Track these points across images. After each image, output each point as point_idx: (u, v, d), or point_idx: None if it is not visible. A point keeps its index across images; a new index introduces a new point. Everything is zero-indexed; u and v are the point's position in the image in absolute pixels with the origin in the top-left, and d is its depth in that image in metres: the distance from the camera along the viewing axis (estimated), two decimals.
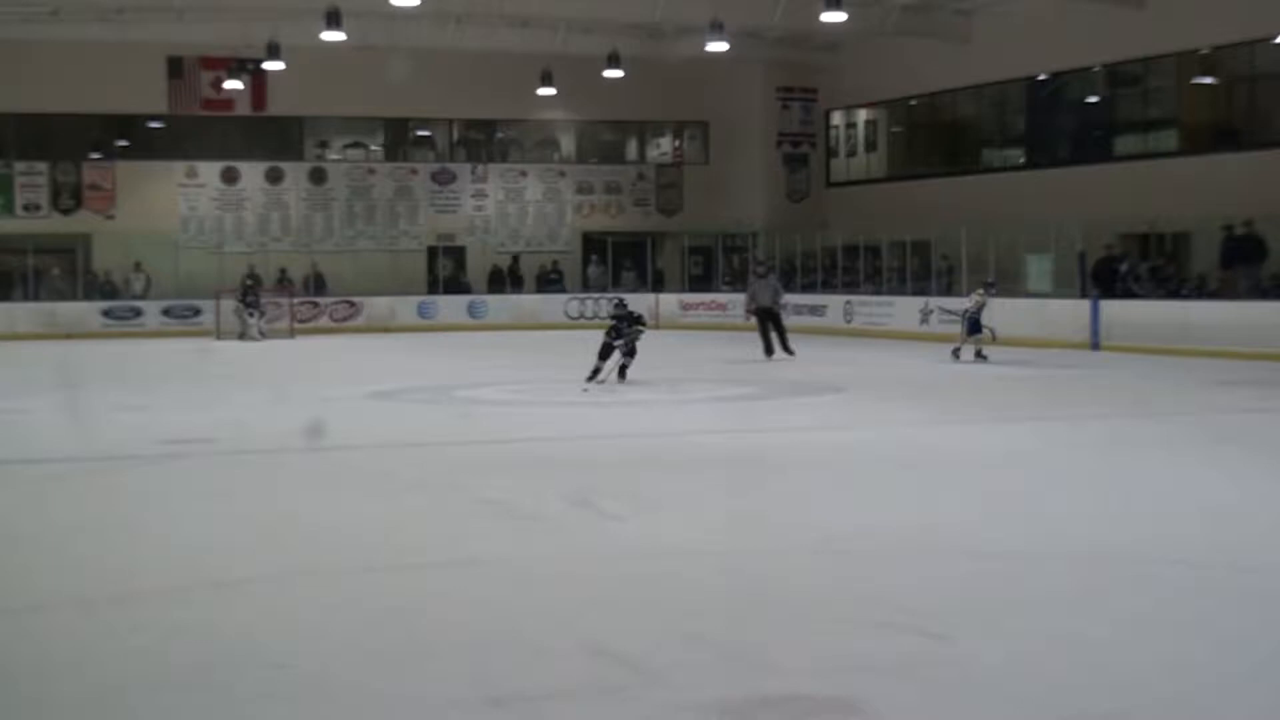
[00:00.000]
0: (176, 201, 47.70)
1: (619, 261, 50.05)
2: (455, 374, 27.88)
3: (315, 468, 15.89)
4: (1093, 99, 41.92)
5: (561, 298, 47.88)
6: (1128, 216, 37.17)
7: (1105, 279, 35.71)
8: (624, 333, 23.73)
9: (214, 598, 9.39)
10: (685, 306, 45.78)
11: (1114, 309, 34.01)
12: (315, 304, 45.38)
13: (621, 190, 52.21)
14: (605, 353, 23.67)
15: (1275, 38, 35.94)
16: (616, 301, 25.71)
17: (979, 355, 29.19)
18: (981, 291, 29.61)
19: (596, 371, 23.48)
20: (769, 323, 29.71)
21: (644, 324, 24.56)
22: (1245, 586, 9.56)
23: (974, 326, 29.12)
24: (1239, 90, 37.94)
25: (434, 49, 44.29)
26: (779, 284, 30.47)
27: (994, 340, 29.41)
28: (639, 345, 24.01)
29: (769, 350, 29.57)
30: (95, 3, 37.47)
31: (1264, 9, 35.04)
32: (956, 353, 29.35)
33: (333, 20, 36.86)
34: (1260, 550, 10.73)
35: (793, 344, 29.70)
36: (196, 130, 47.61)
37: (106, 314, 43.59)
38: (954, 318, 29.78)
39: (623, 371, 23.82)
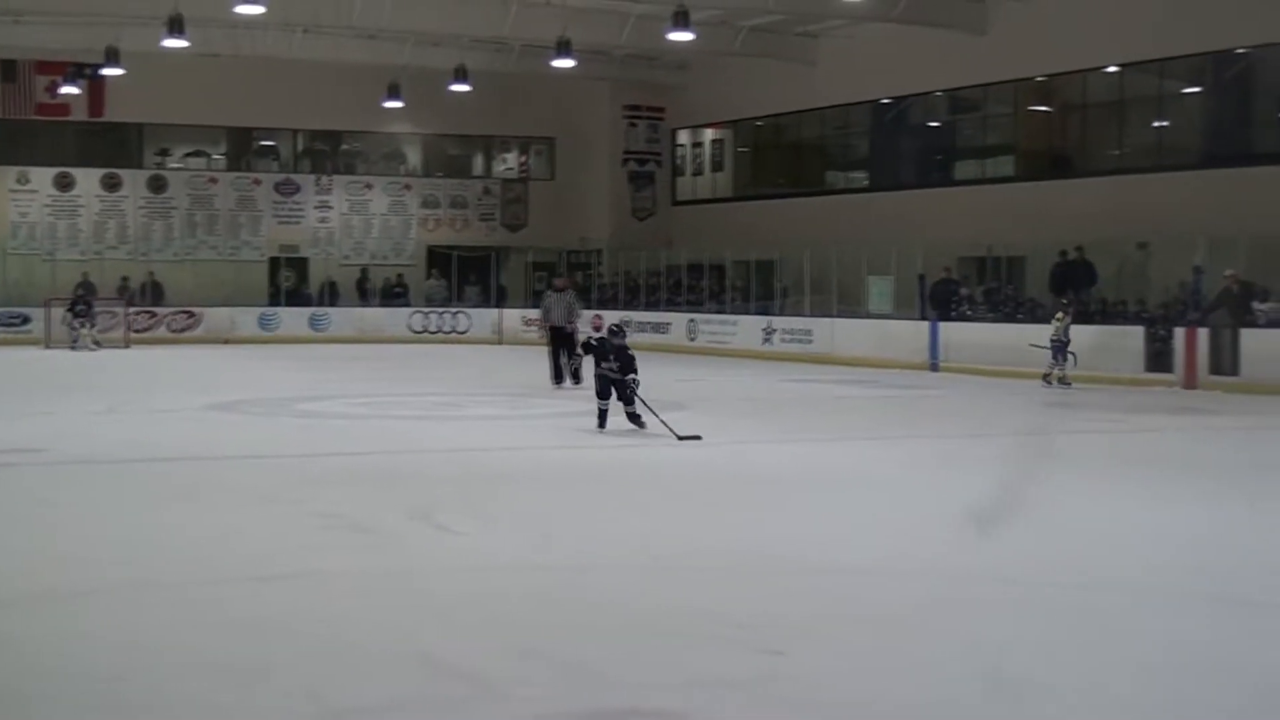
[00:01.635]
0: (6, 207, 47.10)
1: (463, 276, 49.97)
2: (296, 387, 27.64)
3: (151, 479, 15.65)
4: (934, 124, 42.51)
5: (405, 311, 47.63)
6: (966, 240, 37.68)
7: (943, 301, 36.21)
8: (612, 372, 19.70)
9: (43, 610, 9.30)
10: (528, 322, 45.76)
11: (952, 330, 34.50)
12: (152, 313, 44.82)
13: (467, 205, 52.12)
14: (605, 390, 19.73)
15: (1107, 67, 36.65)
16: (617, 327, 21.49)
17: (1062, 382, 28.53)
18: (1062, 314, 29.04)
19: (603, 415, 19.64)
20: (560, 344, 27.27)
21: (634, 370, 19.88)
22: (1069, 602, 9.82)
23: (1061, 349, 28.61)
24: (1072, 119, 38.66)
25: (279, 58, 43.99)
26: (575, 301, 28.96)
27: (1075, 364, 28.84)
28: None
29: (558, 378, 27.09)
30: None
31: (1097, 40, 35.77)
32: (1047, 379, 28.70)
33: (175, 27, 36.56)
34: (1083, 568, 10.95)
35: (581, 372, 26.47)
36: (30, 135, 47.05)
37: None
38: (1045, 348, 28.87)
39: (634, 418, 19.62)
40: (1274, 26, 32.42)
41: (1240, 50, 33.88)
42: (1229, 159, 33.78)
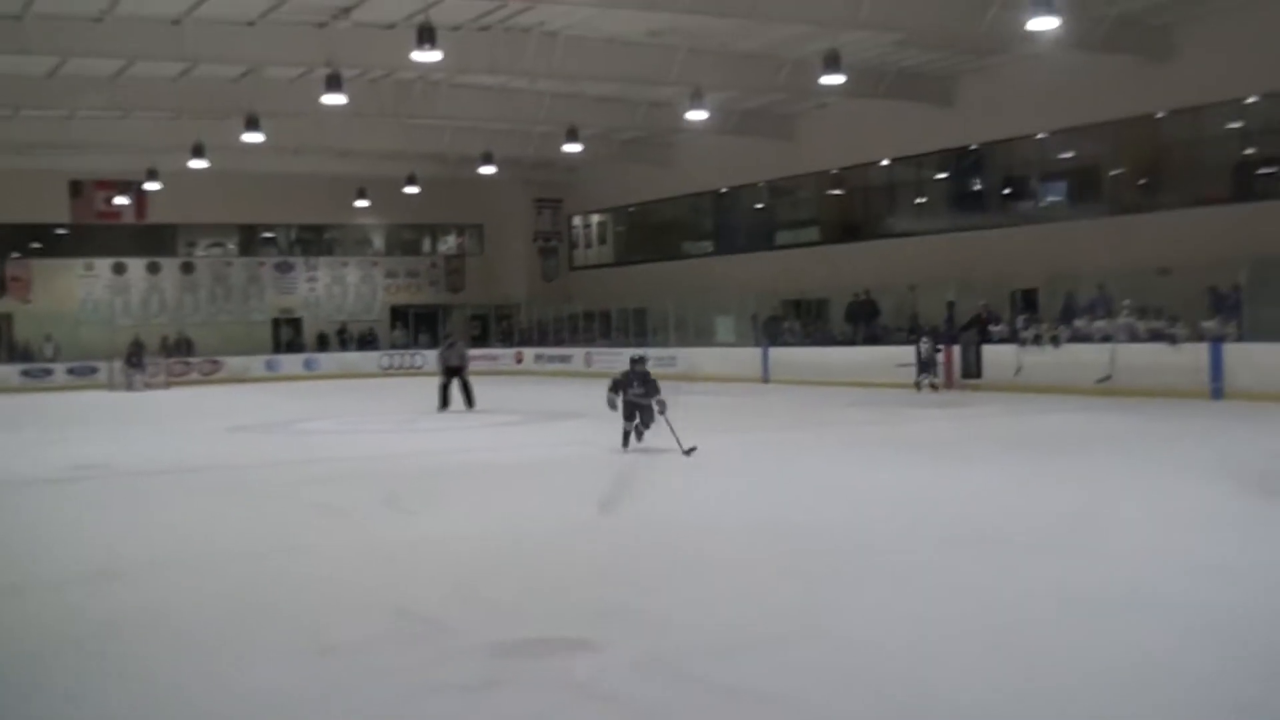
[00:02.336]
0: (77, 288, 46.79)
1: (418, 327, 49.98)
2: (294, 412, 27.42)
3: (187, 483, 15.60)
4: (759, 205, 42.69)
5: (375, 354, 47.68)
6: (786, 288, 38.15)
7: (772, 332, 36.61)
8: (639, 397, 17.17)
9: (103, 585, 9.29)
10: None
11: (778, 353, 34.93)
12: (186, 363, 44.53)
13: (419, 274, 52.13)
14: (631, 413, 17.23)
15: (882, 161, 37.24)
16: (636, 358, 18.11)
17: (932, 388, 28.37)
18: (926, 340, 29.03)
19: (628, 435, 17.35)
20: (453, 379, 25.77)
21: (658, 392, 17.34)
22: (874, 564, 9.86)
23: (929, 365, 28.56)
24: (858, 198, 38.98)
25: (276, 172, 44.14)
26: (465, 348, 27.61)
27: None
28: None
29: (445, 404, 25.46)
30: (12, 139, 36.62)
31: (874, 142, 36.38)
32: (919, 386, 28.39)
33: (198, 152, 36.59)
34: (879, 530, 11.06)
35: (476, 399, 25.74)
36: (93, 235, 46.62)
37: (24, 373, 42.48)
38: (910, 364, 28.77)
39: (639, 433, 17.35)
40: (995, 130, 33.16)
41: (973, 147, 34.52)
42: (969, 224, 34.37)
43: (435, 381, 26.29)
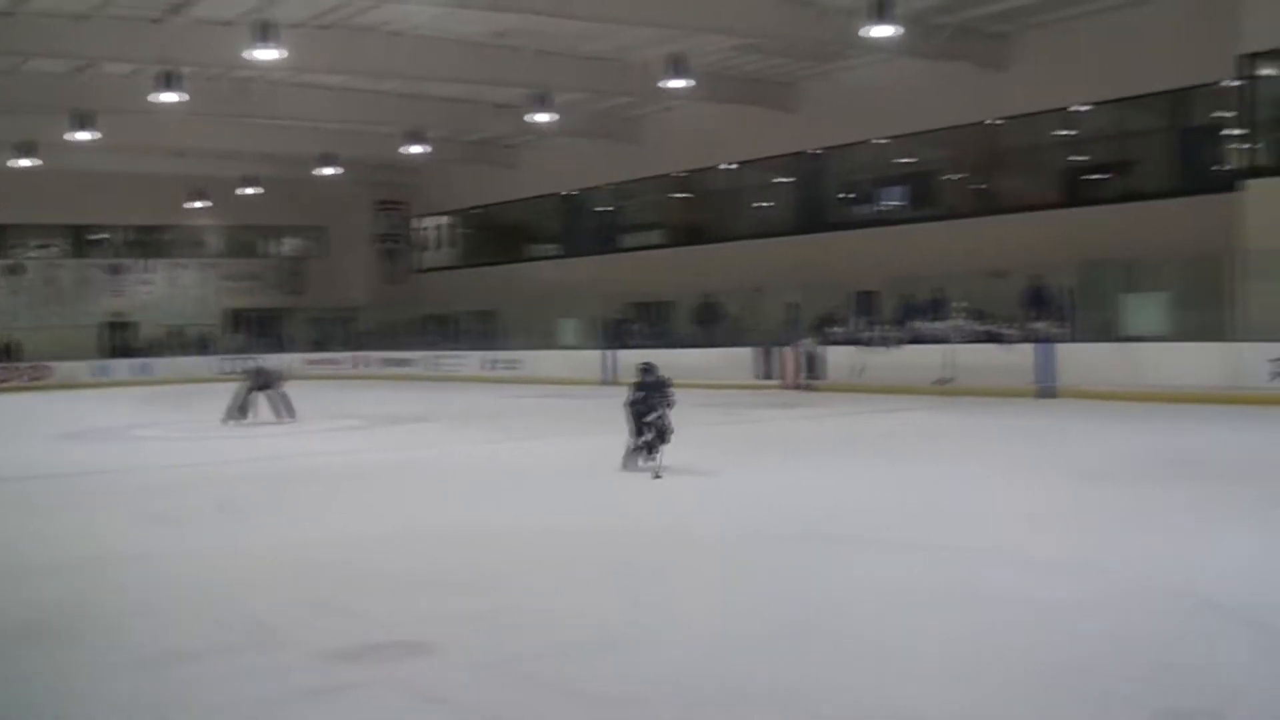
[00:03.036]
0: None
1: (259, 330, 49.15)
2: (129, 419, 26.78)
3: (18, 492, 15.04)
4: (606, 208, 42.88)
5: (214, 359, 46.30)
6: (631, 290, 38.28)
7: (617, 334, 36.68)
8: (654, 405, 14.86)
9: None
10: (308, 363, 45.29)
11: (625, 357, 34.96)
12: (16, 368, 43.24)
13: (259, 277, 51.37)
14: (640, 428, 14.82)
15: (725, 165, 37.57)
16: (644, 366, 15.55)
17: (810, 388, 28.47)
18: (810, 341, 29.35)
19: (637, 450, 14.84)
20: (263, 391, 23.72)
21: (669, 389, 15.12)
22: (707, 563, 10.00)
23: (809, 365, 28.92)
24: (702, 202, 39.33)
25: (110, 171, 42.93)
26: (280, 368, 25.77)
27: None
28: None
29: (242, 414, 23.37)
30: None
31: (718, 145, 36.71)
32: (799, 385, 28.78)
33: (26, 150, 35.68)
34: (714, 529, 11.12)
35: (296, 413, 23.97)
36: None
37: None
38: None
39: (651, 448, 14.76)
40: (836, 135, 33.61)
41: (815, 151, 34.94)
42: (811, 228, 34.82)
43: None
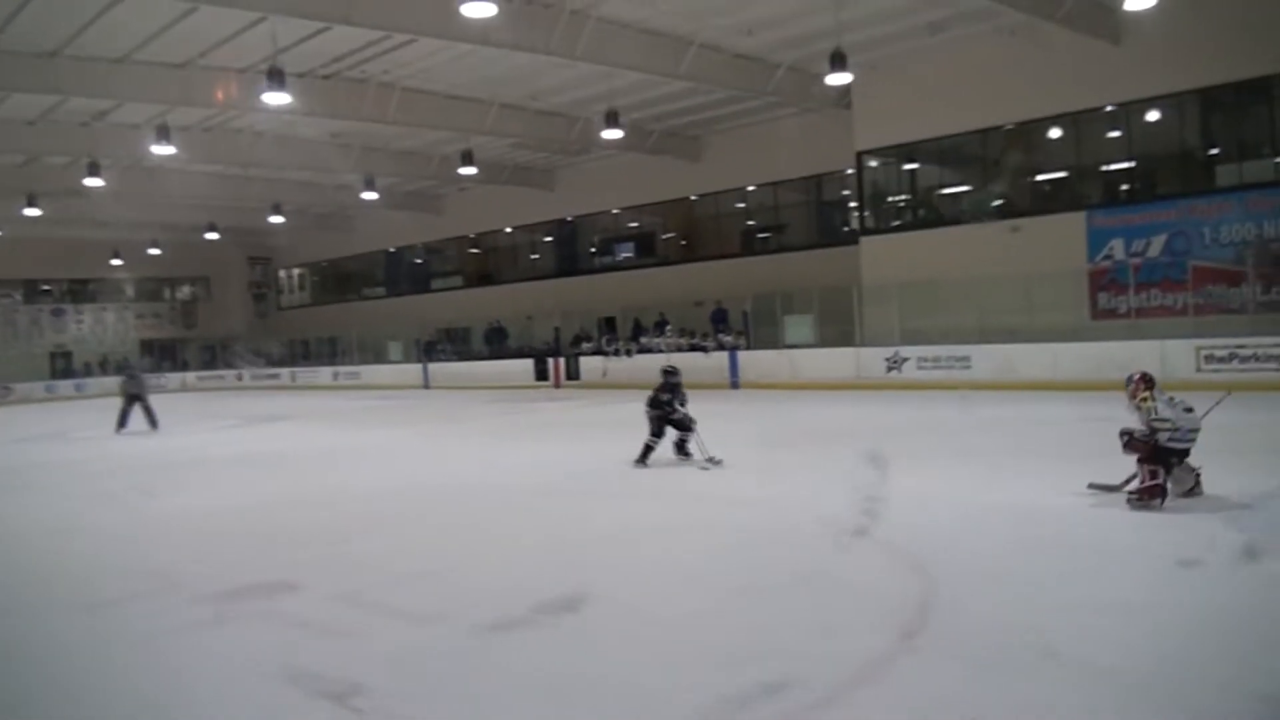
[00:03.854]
0: None
1: (162, 356, 47.01)
2: (70, 425, 25.48)
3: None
4: (419, 260, 42.25)
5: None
6: (441, 319, 37.87)
7: (431, 352, 36.29)
8: (675, 407, 12.06)
9: None
10: (201, 379, 43.56)
11: (436, 368, 34.64)
12: None
13: (161, 315, 48.93)
14: (659, 430, 12.03)
15: (505, 229, 37.52)
16: (669, 369, 12.43)
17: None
18: (628, 350, 28.21)
19: (649, 451, 11.95)
20: (136, 404, 21.55)
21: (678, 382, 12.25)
22: (494, 497, 10.04)
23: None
24: (489, 255, 39.03)
25: (53, 238, 40.34)
26: (144, 379, 23.37)
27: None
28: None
29: (122, 424, 21.21)
30: None
31: (499, 213, 36.63)
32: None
33: None
34: (504, 478, 11.23)
35: (159, 420, 21.69)
36: None
37: None
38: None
39: (682, 446, 12.09)
40: (584, 206, 33.92)
41: (569, 218, 35.19)
42: (568, 273, 35.05)
43: (177, 396, 24.81)
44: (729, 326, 27.13)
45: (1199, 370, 17.86)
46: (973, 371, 20.96)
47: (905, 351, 22.16)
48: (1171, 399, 8.23)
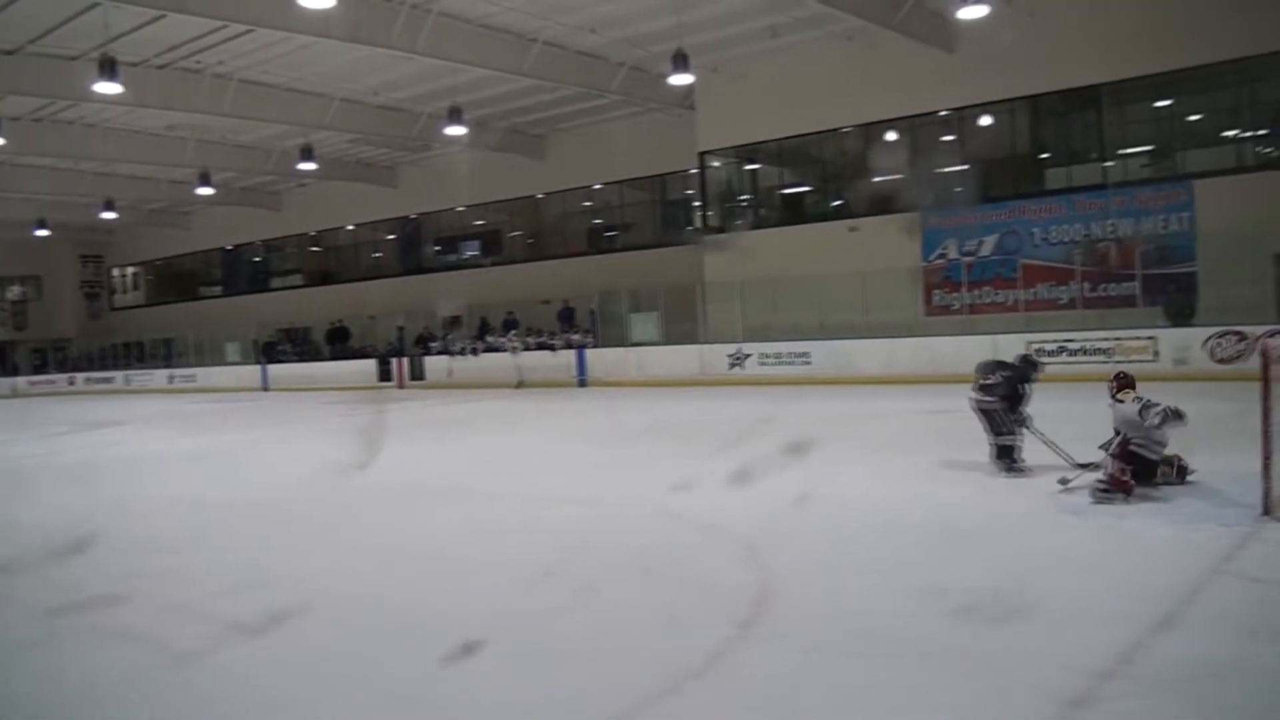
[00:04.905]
0: None
1: None
2: None
3: None
4: (258, 258, 41.07)
5: None
6: (281, 319, 36.91)
7: (268, 353, 35.30)
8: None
9: None
10: (32, 384, 41.39)
11: (276, 369, 33.71)
12: None
13: None
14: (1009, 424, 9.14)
15: (347, 226, 36.78)
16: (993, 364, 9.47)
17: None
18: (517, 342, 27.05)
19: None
20: None
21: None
22: (317, 517, 9.78)
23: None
24: (330, 253, 38.27)
25: None
26: None
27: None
28: None
29: None
30: None
31: (342, 212, 35.92)
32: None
33: None
34: (322, 489, 10.89)
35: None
36: None
37: None
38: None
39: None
40: (428, 204, 33.50)
41: (413, 216, 34.71)
42: (411, 271, 34.59)
43: (9, 403, 23.35)
44: (576, 325, 27.16)
45: None
46: (812, 367, 21.44)
47: (748, 348, 22.52)
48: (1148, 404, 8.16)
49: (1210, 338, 17.09)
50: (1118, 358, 17.71)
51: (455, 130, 22.57)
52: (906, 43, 20.66)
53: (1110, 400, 8.49)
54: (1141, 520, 7.22)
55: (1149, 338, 17.90)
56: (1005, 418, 9.10)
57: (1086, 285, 20.12)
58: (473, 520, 8.77)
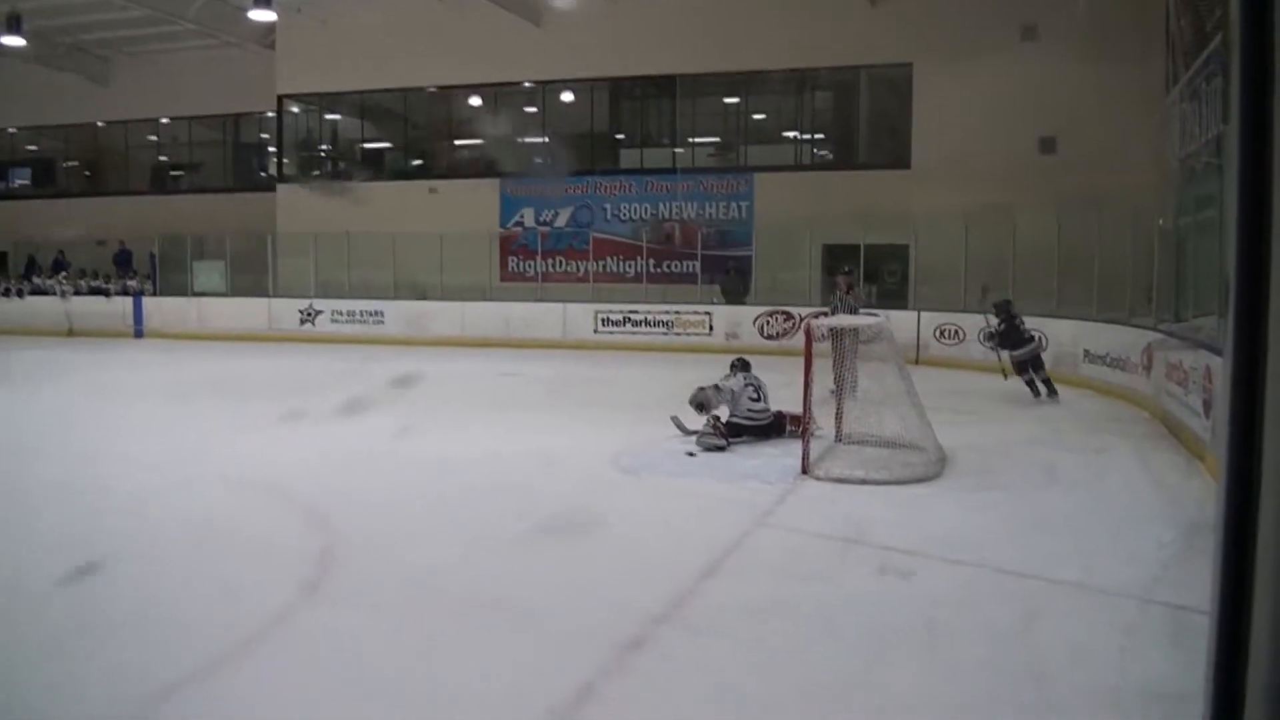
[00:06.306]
0: None
1: None
2: None
3: None
4: None
5: None
6: None
7: None
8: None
9: None
10: None
11: None
12: None
13: None
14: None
15: None
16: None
17: None
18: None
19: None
20: None
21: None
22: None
23: None
24: None
25: None
26: None
27: None
28: None
29: None
30: None
31: None
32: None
33: None
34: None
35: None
36: None
37: None
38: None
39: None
40: None
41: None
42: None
43: None
44: (134, 270, 25.10)
45: (596, 331, 19.61)
46: (386, 326, 21.15)
47: (320, 304, 21.86)
48: (748, 384, 9.30)
49: (760, 316, 18.70)
50: (676, 330, 18.95)
51: (12, 41, 20.09)
52: (496, 11, 20.83)
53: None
54: (694, 479, 7.71)
55: (705, 313, 19.27)
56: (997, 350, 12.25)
57: (651, 262, 21.27)
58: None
